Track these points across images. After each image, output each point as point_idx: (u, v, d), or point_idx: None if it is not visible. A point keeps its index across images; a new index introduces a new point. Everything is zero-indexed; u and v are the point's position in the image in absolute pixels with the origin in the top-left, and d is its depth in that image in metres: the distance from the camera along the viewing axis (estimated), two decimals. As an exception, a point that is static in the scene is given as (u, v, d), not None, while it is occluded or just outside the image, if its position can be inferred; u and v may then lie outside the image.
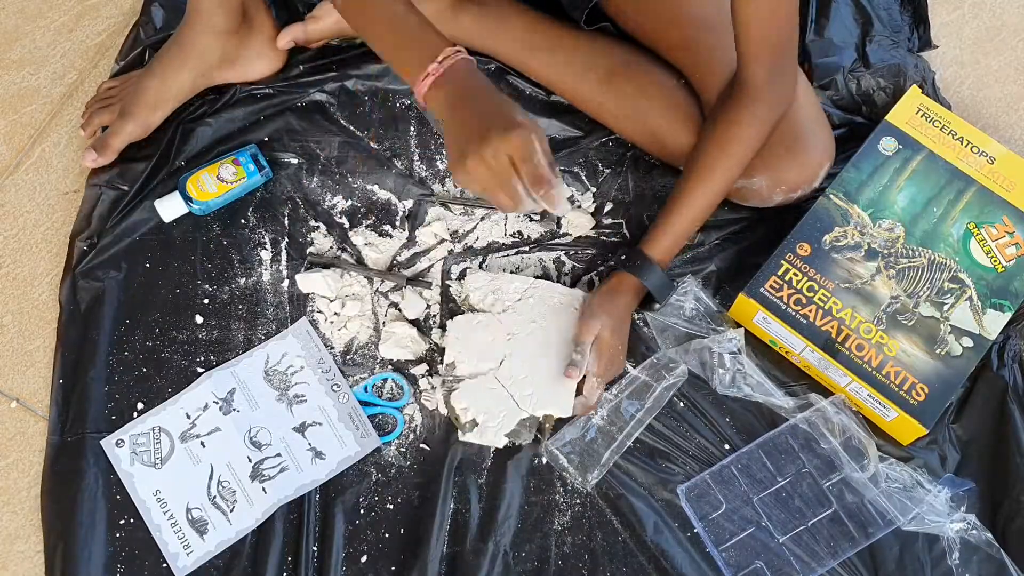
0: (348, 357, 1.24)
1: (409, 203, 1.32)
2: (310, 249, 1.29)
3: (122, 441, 1.19)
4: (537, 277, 1.26)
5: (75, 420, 1.19)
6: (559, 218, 1.31)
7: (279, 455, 1.19)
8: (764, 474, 1.17)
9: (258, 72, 1.35)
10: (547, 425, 1.19)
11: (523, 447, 1.18)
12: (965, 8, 1.50)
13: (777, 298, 1.19)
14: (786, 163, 1.21)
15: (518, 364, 1.19)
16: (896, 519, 1.13)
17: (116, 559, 1.14)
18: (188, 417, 1.20)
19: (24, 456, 1.22)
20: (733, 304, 1.22)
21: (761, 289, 1.20)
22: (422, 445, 1.20)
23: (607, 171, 1.34)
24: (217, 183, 1.28)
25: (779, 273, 1.20)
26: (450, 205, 1.30)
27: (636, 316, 1.24)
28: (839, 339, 1.17)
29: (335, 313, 1.26)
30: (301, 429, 1.20)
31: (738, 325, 1.23)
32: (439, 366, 1.21)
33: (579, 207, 1.32)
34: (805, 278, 1.20)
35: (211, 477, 1.18)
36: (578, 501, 1.17)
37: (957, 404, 1.20)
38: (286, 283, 1.27)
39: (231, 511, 1.16)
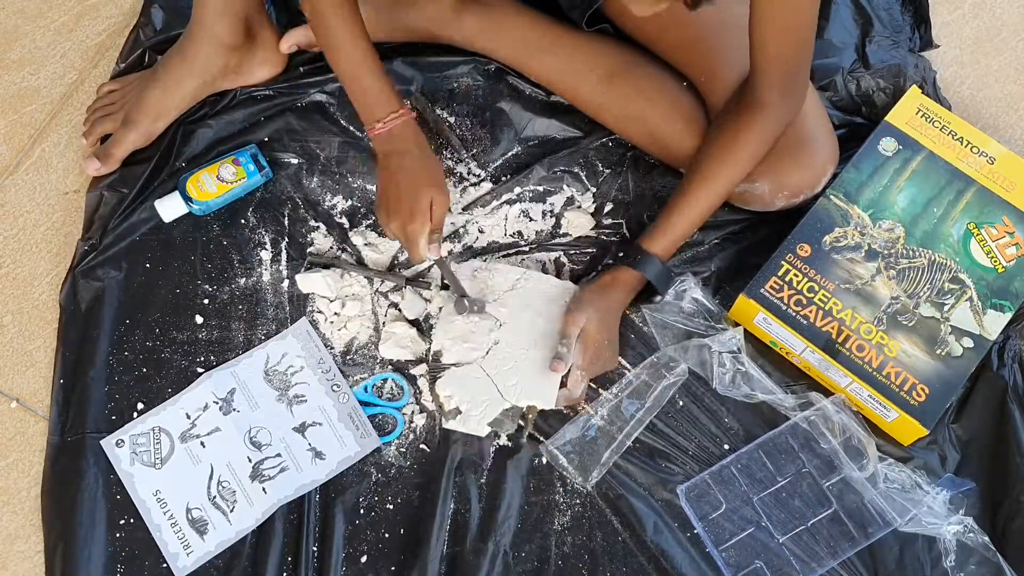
0: (348, 357, 1.24)
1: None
2: (310, 249, 1.29)
3: (122, 441, 1.19)
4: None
5: (75, 420, 1.19)
6: (557, 220, 1.31)
7: (279, 455, 1.19)
8: (764, 474, 1.17)
9: (259, 78, 1.36)
10: (530, 416, 1.19)
11: (523, 447, 1.18)
12: (965, 8, 1.50)
13: (777, 299, 1.19)
14: (790, 168, 1.21)
15: (504, 354, 1.19)
16: (893, 520, 1.13)
17: (116, 559, 1.14)
18: (188, 417, 1.20)
19: (24, 456, 1.22)
20: (734, 305, 1.22)
21: (761, 290, 1.20)
22: (422, 445, 1.20)
23: (607, 171, 1.34)
24: (217, 183, 1.28)
25: (779, 274, 1.20)
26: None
27: (635, 314, 1.24)
28: (839, 340, 1.17)
29: (335, 313, 1.26)
30: (301, 429, 1.20)
31: (737, 324, 1.23)
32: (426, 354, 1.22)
33: (579, 207, 1.32)
34: (805, 279, 1.20)
35: (211, 477, 1.18)
36: (578, 501, 1.17)
37: (957, 404, 1.20)
38: (286, 283, 1.27)
39: (231, 511, 1.16)
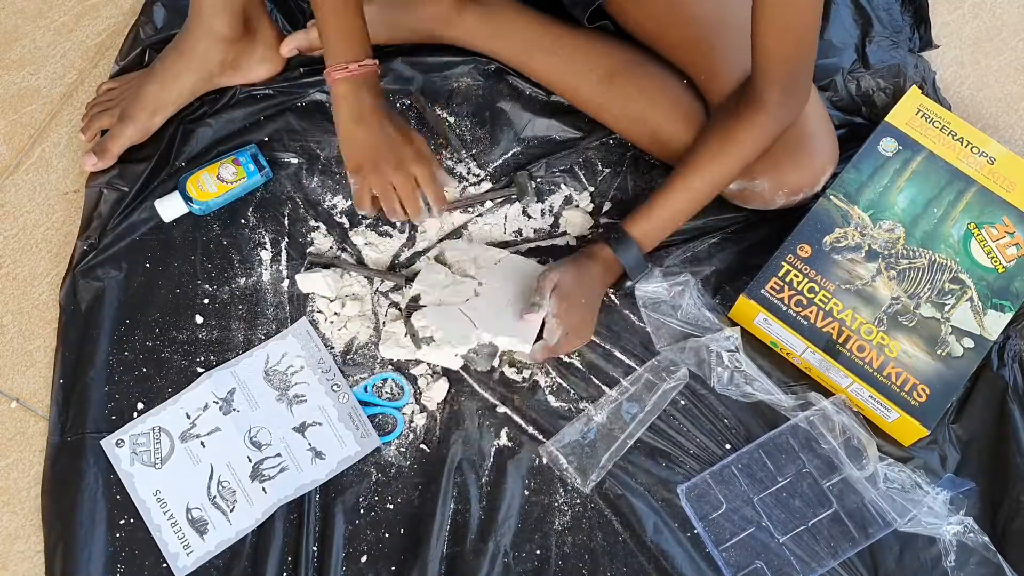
0: (348, 357, 1.24)
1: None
2: (310, 249, 1.29)
3: (122, 441, 1.19)
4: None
5: (75, 420, 1.19)
6: (556, 219, 1.31)
7: (279, 455, 1.19)
8: (764, 474, 1.17)
9: (258, 76, 1.35)
10: (504, 358, 1.20)
11: (523, 447, 1.18)
12: (965, 8, 1.50)
13: (778, 299, 1.19)
14: (789, 166, 1.21)
15: (483, 304, 1.20)
16: (894, 520, 1.13)
17: (116, 559, 1.14)
18: (188, 417, 1.20)
19: (24, 456, 1.22)
20: (734, 305, 1.22)
21: (762, 291, 1.20)
22: (422, 445, 1.20)
23: (606, 171, 1.34)
24: (217, 183, 1.28)
25: (780, 274, 1.20)
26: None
27: (632, 312, 1.24)
28: (840, 340, 1.17)
29: (335, 313, 1.26)
30: (301, 429, 1.20)
31: (735, 324, 1.23)
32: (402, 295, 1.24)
33: (577, 207, 1.32)
34: (806, 279, 1.20)
35: (211, 477, 1.18)
36: (578, 501, 1.17)
37: (957, 404, 1.20)
38: (286, 283, 1.27)
39: (231, 511, 1.16)
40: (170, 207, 1.28)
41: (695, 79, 1.27)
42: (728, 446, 1.19)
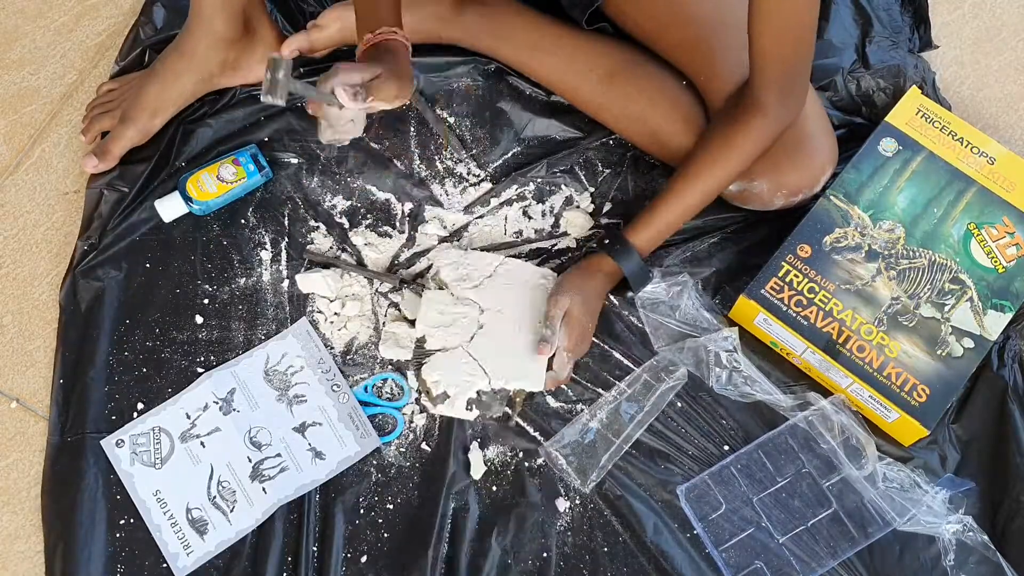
0: (348, 357, 1.24)
1: (409, 204, 1.32)
2: (310, 248, 1.29)
3: (122, 441, 1.19)
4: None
5: (75, 420, 1.19)
6: (556, 220, 1.31)
7: (279, 455, 1.19)
8: (763, 474, 1.17)
9: (258, 77, 1.35)
10: (517, 400, 1.19)
11: (522, 448, 1.18)
12: (965, 8, 1.50)
13: (778, 300, 1.19)
14: (788, 167, 1.21)
15: (489, 339, 1.19)
16: (893, 520, 1.13)
17: (116, 559, 1.14)
18: (188, 417, 1.20)
19: (24, 456, 1.22)
20: (734, 306, 1.22)
21: (762, 291, 1.20)
22: (422, 445, 1.20)
23: (607, 171, 1.34)
24: (217, 183, 1.28)
25: (780, 275, 1.20)
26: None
27: (630, 312, 1.24)
28: (840, 340, 1.17)
29: (335, 313, 1.26)
30: (301, 429, 1.20)
31: (733, 324, 1.23)
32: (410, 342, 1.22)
33: (577, 207, 1.32)
34: (806, 279, 1.20)
35: (211, 477, 1.18)
36: (578, 502, 1.17)
37: (957, 404, 1.20)
38: (286, 283, 1.27)
39: (231, 511, 1.16)
40: (170, 207, 1.28)
41: (694, 79, 1.27)
42: (727, 447, 1.19)
